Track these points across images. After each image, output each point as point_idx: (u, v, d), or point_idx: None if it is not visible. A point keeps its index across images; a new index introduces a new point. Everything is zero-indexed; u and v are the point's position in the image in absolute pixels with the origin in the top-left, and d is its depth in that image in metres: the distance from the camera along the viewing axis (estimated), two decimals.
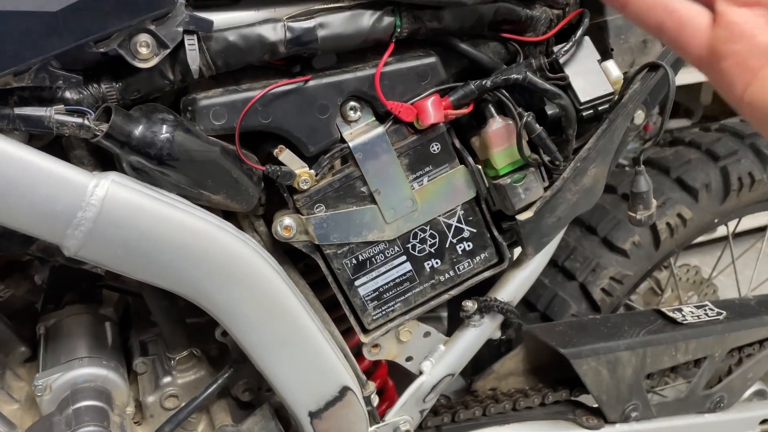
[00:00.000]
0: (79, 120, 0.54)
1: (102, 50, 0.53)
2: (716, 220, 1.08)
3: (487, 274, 0.74)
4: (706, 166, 1.06)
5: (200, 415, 0.78)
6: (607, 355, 0.91)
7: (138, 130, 0.56)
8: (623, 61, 0.69)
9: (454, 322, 1.01)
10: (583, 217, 0.99)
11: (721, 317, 1.01)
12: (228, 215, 0.67)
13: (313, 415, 0.72)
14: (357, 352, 0.77)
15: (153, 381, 0.78)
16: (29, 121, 0.53)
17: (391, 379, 0.91)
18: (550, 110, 0.68)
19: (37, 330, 0.81)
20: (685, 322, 0.98)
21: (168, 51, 0.55)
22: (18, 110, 0.52)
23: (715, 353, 1.00)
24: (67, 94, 0.55)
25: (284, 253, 0.72)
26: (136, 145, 0.56)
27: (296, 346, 0.68)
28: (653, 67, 0.67)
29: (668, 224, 1.02)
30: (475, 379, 0.95)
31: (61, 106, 0.54)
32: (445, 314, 1.10)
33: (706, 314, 1.02)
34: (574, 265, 1.03)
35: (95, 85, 0.56)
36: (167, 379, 0.77)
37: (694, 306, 1.04)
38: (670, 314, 0.99)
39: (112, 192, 0.55)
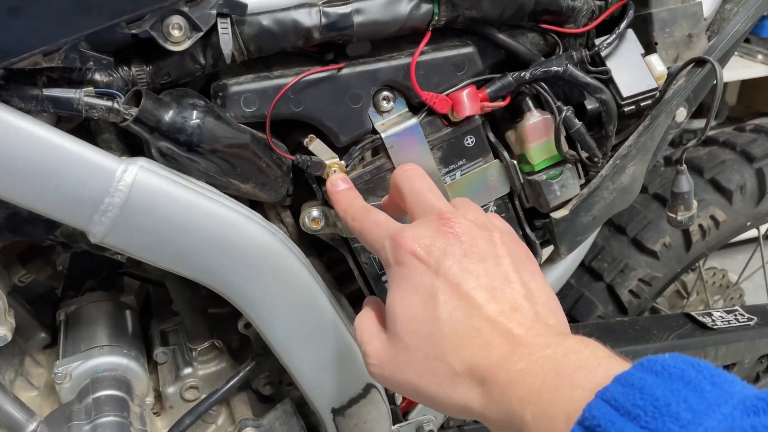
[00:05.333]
0: (109, 103, 0.53)
1: (134, 31, 0.51)
2: (749, 223, 1.05)
3: None
4: (741, 167, 1.03)
5: (220, 407, 0.76)
6: (634, 360, 0.88)
7: (168, 115, 0.54)
8: (667, 56, 0.66)
9: None
10: (612, 216, 0.97)
11: (751, 323, 0.99)
12: (254, 205, 0.66)
13: (336, 412, 0.70)
14: None
15: (173, 371, 0.77)
16: (58, 102, 0.51)
17: None
18: (590, 105, 0.66)
19: (57, 316, 0.80)
20: (715, 327, 0.96)
21: (200, 34, 0.53)
22: (47, 91, 0.51)
23: (744, 359, 0.98)
24: (97, 77, 0.53)
25: (310, 245, 0.71)
26: (166, 131, 0.54)
27: (322, 340, 0.66)
28: (699, 62, 0.64)
29: (700, 226, 0.99)
30: None
31: (91, 89, 0.52)
32: None
33: (737, 319, 0.99)
34: (601, 265, 1.01)
35: (125, 68, 0.54)
36: (188, 370, 0.76)
37: (724, 311, 1.01)
38: (700, 319, 0.97)
39: (141, 178, 0.54)
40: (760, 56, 2.27)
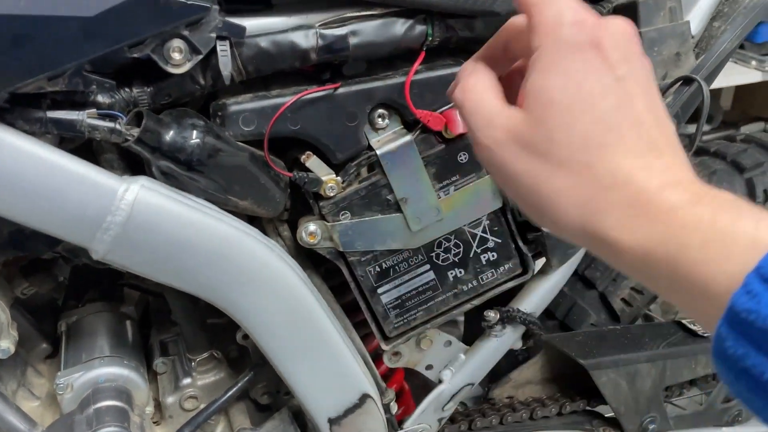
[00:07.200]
0: (111, 124, 0.54)
1: (135, 55, 0.53)
2: None
3: (510, 284, 0.74)
4: (732, 177, 1.04)
5: (219, 417, 0.78)
6: (626, 367, 0.90)
7: (169, 135, 0.56)
8: (656, 74, 0.68)
9: (472, 328, 1.00)
10: None
11: None
12: (252, 219, 0.67)
13: (333, 422, 0.71)
14: (375, 356, 0.77)
15: (173, 381, 0.78)
16: (61, 124, 0.53)
17: (407, 384, 0.91)
18: None
19: (58, 327, 0.81)
20: (705, 334, 0.97)
21: (200, 57, 0.55)
22: (50, 114, 0.52)
23: None
24: (99, 98, 0.54)
25: (307, 257, 0.72)
26: (167, 150, 0.56)
27: (318, 352, 0.67)
28: (687, 80, 0.66)
29: None
30: (492, 387, 0.94)
31: (93, 110, 0.54)
32: (461, 318, 1.09)
33: None
34: (594, 274, 1.02)
35: (126, 90, 0.56)
36: (187, 381, 0.77)
37: None
38: (691, 326, 0.98)
39: (142, 196, 0.55)
40: (753, 62, 2.29)
